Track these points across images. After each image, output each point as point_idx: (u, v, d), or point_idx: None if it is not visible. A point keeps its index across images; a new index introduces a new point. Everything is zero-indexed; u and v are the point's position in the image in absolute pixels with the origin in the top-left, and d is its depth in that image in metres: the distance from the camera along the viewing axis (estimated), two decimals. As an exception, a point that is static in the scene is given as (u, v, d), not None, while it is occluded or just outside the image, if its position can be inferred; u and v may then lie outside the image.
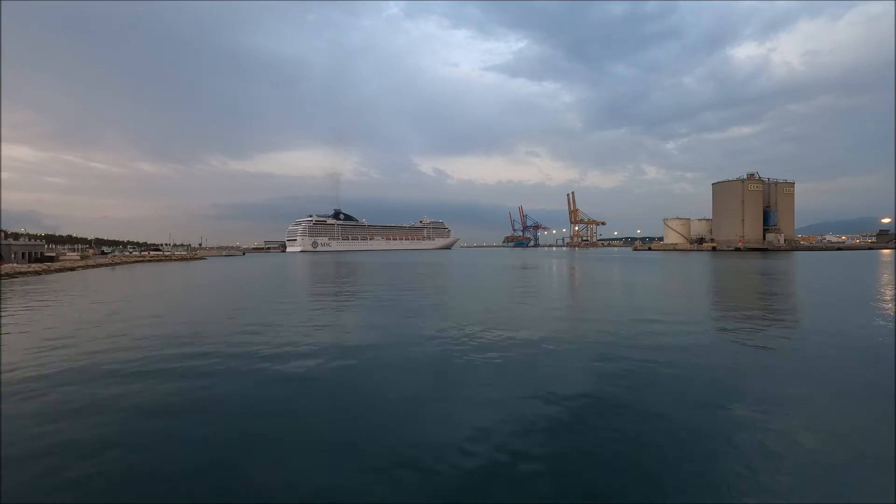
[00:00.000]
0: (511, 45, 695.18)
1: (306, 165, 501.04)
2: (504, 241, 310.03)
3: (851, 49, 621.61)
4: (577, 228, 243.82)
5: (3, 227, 71.08)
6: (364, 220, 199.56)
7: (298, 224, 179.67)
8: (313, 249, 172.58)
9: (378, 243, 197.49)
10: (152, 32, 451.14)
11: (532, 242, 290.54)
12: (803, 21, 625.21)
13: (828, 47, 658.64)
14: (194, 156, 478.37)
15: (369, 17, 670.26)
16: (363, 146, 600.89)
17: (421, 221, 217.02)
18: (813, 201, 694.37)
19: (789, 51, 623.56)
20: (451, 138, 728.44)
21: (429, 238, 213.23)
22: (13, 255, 53.22)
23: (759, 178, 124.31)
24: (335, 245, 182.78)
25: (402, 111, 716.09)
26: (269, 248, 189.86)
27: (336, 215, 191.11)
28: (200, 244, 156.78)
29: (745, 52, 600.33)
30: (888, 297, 18.48)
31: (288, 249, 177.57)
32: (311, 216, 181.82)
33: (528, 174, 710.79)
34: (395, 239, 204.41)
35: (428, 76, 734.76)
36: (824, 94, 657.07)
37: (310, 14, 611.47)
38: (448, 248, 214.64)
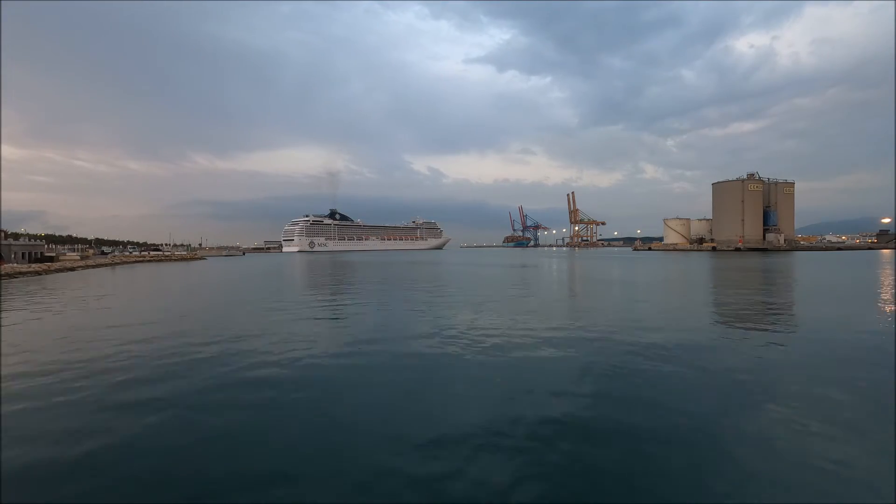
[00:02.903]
0: (495, 38, 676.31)
1: (297, 164, 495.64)
2: (504, 241, 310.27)
3: (863, 37, 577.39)
4: (577, 228, 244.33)
5: (4, 227, 70.86)
6: (360, 220, 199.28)
7: (295, 224, 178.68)
8: (310, 249, 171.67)
9: (373, 243, 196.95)
10: (124, 27, 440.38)
11: (532, 242, 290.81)
12: (810, 7, 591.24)
13: (837, 35, 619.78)
14: (181, 154, 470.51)
15: (347, 10, 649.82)
16: (353, 144, 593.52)
17: (413, 221, 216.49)
18: (813, 201, 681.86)
19: (796, 40, 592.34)
20: (442, 136, 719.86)
21: (422, 238, 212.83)
22: (13, 255, 52.93)
23: (759, 177, 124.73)
24: (331, 245, 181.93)
25: (389, 108, 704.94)
26: (269, 248, 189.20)
27: (332, 215, 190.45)
28: (200, 244, 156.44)
29: (747, 42, 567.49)
30: (888, 297, 18.67)
31: (284, 249, 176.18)
32: (307, 216, 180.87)
33: (525, 173, 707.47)
34: (390, 239, 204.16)
35: (413, 71, 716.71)
36: (833, 87, 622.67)
37: (283, 7, 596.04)
38: (440, 247, 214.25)
